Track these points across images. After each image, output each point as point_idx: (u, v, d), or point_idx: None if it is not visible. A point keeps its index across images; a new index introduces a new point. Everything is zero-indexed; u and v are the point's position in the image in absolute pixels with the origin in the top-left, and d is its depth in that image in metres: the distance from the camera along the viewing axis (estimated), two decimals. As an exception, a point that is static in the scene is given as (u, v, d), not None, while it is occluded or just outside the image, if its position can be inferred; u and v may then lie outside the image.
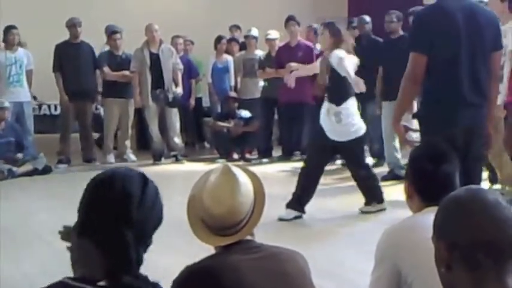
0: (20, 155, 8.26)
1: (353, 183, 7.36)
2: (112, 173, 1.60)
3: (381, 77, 7.64)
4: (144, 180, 1.61)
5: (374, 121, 8.14)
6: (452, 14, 3.60)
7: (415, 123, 3.98)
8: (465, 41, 3.60)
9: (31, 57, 8.91)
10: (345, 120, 5.51)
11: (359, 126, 5.63)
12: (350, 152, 5.80)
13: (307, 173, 5.64)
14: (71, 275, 1.61)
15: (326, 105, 5.61)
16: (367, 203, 5.82)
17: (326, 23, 5.82)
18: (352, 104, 5.62)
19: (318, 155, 5.64)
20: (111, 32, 9.23)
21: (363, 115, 8.20)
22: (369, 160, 8.12)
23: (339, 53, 5.53)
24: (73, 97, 8.83)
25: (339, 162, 8.78)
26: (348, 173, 7.98)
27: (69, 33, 8.98)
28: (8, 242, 4.96)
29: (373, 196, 5.81)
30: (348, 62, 5.53)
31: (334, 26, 5.69)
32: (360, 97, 8.14)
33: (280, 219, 5.50)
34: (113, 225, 1.51)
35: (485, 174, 6.46)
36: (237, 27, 10.59)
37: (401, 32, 7.61)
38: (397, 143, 7.30)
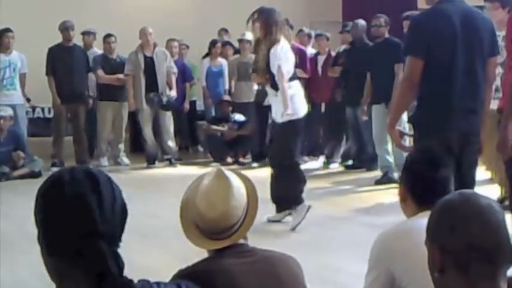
0: (22, 154, 8.23)
1: (346, 186, 7.40)
2: (59, 183, 1.46)
3: (369, 81, 7.66)
4: (93, 178, 1.46)
5: (368, 124, 8.17)
6: (450, 18, 3.59)
7: (408, 128, 3.98)
8: (462, 45, 3.58)
9: (25, 61, 8.89)
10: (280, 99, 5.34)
11: (294, 110, 5.33)
12: (278, 135, 5.49)
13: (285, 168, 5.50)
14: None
15: (268, 90, 5.52)
16: (278, 210, 5.57)
17: (259, 10, 5.50)
18: (291, 86, 5.38)
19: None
20: (105, 36, 9.25)
21: (356, 120, 8.29)
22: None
23: (278, 53, 5.34)
24: (66, 100, 8.82)
25: (333, 166, 8.81)
26: (339, 177, 8.05)
27: (62, 36, 8.98)
28: (4, 246, 4.94)
29: (286, 202, 5.46)
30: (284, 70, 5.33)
31: (266, 13, 5.42)
32: (353, 102, 8.23)
33: (293, 229, 5.36)
34: (81, 241, 1.40)
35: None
36: (226, 30, 10.59)
37: (386, 35, 7.67)
38: (389, 147, 7.31)
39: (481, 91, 3.66)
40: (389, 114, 4.17)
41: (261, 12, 5.48)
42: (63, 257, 1.43)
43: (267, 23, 5.39)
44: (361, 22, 8.43)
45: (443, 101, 3.61)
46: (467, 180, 3.64)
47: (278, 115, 5.47)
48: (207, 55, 10.24)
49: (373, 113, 7.56)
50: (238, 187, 2.00)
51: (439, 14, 3.63)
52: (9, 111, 8.33)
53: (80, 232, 1.41)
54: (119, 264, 1.43)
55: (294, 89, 5.45)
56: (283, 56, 5.38)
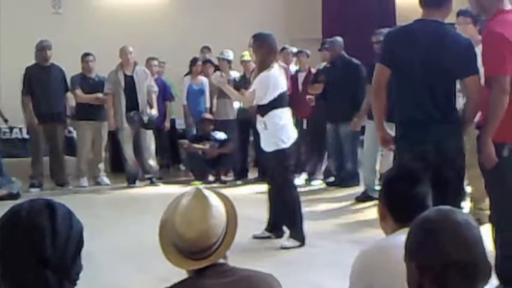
0: None
1: (327, 203, 7.40)
2: (16, 211, 1.49)
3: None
4: (51, 209, 1.50)
5: (347, 141, 8.19)
6: (415, 35, 3.83)
7: None
8: (424, 62, 3.76)
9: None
10: (270, 130, 5.35)
11: (281, 139, 5.34)
12: (270, 164, 5.53)
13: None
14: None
15: (257, 117, 5.51)
16: (267, 229, 5.67)
17: (254, 35, 5.53)
18: (275, 114, 5.35)
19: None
20: (83, 55, 9.20)
21: (337, 135, 8.32)
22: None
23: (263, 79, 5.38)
24: (43, 120, 8.73)
25: (315, 182, 8.82)
26: (321, 195, 8.06)
27: (39, 56, 8.87)
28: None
29: (277, 227, 5.58)
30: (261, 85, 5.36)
31: (261, 39, 5.45)
32: (333, 117, 8.27)
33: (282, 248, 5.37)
34: (31, 268, 1.43)
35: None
36: (208, 48, 10.61)
37: None
38: (377, 166, 7.29)
39: (445, 107, 3.81)
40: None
41: (255, 38, 5.49)
42: (13, 284, 1.44)
43: (260, 50, 5.40)
44: (338, 39, 8.48)
45: (411, 115, 3.82)
46: (452, 188, 3.73)
47: (265, 145, 5.46)
48: (188, 73, 10.25)
49: (367, 128, 7.54)
50: (217, 206, 1.99)
51: (407, 31, 3.96)
52: None
53: (32, 259, 1.42)
54: None
55: (285, 119, 5.40)
56: (267, 83, 5.35)
